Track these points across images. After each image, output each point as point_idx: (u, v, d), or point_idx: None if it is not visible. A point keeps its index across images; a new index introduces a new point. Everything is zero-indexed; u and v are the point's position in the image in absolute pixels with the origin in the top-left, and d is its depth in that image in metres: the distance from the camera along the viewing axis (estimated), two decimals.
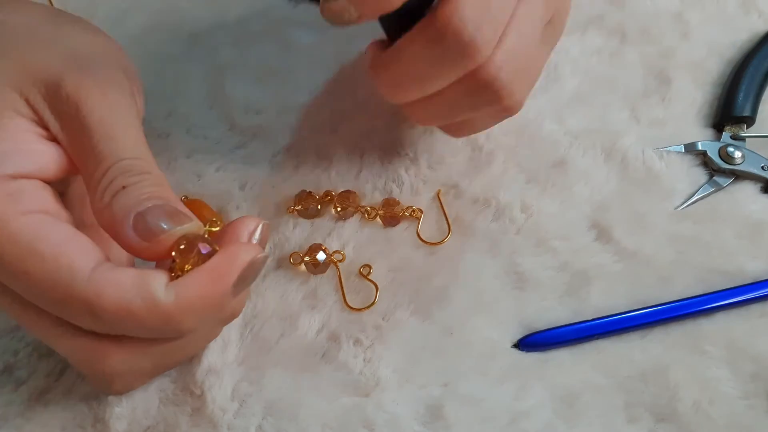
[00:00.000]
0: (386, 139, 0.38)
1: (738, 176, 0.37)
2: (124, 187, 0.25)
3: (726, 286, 0.34)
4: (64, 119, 0.26)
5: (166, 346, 0.28)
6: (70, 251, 0.25)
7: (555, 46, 0.34)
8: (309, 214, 0.36)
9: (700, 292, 0.34)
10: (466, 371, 0.32)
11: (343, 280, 0.35)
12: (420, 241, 0.36)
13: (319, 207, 0.36)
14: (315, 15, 0.42)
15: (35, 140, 0.26)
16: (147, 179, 0.26)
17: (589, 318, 0.33)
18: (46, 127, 0.27)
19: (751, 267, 0.35)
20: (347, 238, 0.36)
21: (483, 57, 0.28)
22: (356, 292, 0.34)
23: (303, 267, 0.35)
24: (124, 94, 0.28)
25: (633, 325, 0.33)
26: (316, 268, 0.34)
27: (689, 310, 0.33)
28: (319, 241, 0.36)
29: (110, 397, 0.31)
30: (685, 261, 0.35)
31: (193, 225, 0.26)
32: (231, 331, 0.33)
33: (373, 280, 0.34)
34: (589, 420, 0.31)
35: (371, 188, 0.37)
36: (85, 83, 0.27)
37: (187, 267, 0.25)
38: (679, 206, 0.37)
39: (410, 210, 0.36)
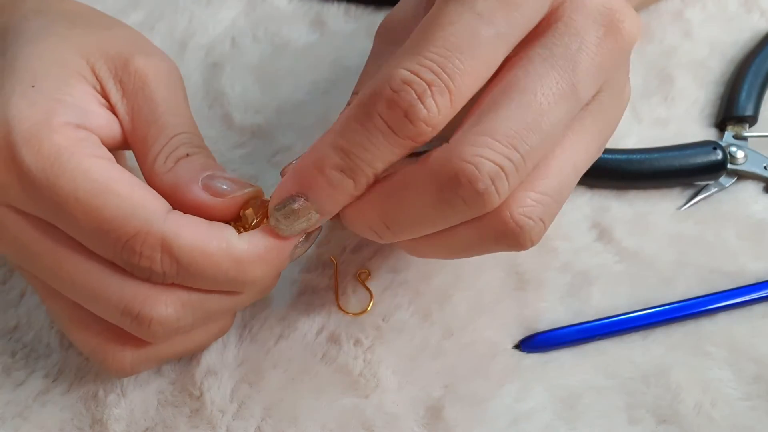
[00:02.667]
0: None
1: (740, 176, 0.37)
2: (187, 155, 0.27)
3: (728, 287, 0.34)
4: (128, 91, 0.28)
5: (213, 304, 0.28)
6: (144, 193, 0.26)
7: (598, 142, 0.27)
8: None
9: (702, 293, 0.34)
10: (467, 372, 0.32)
11: (341, 281, 0.34)
12: None
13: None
14: (314, 13, 0.42)
15: (96, 104, 0.28)
16: (206, 153, 0.28)
17: (591, 319, 0.33)
18: (106, 97, 0.28)
19: (753, 267, 0.35)
20: (347, 239, 0.36)
21: (492, 207, 0.23)
22: (356, 293, 0.34)
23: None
24: (180, 82, 0.30)
25: (634, 326, 0.33)
26: None
27: (691, 311, 0.33)
28: (318, 241, 0.35)
29: (109, 398, 0.31)
30: (687, 261, 0.35)
31: (257, 189, 0.28)
32: (230, 332, 0.33)
33: (369, 287, 0.34)
34: (590, 421, 0.31)
35: None
36: (152, 63, 0.29)
37: (253, 225, 0.27)
38: (681, 207, 0.36)
39: None
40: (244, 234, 0.27)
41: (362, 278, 0.34)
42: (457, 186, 0.23)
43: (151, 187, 0.27)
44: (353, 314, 0.34)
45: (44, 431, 0.31)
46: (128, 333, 0.27)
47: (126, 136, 0.28)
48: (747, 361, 0.32)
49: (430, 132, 0.23)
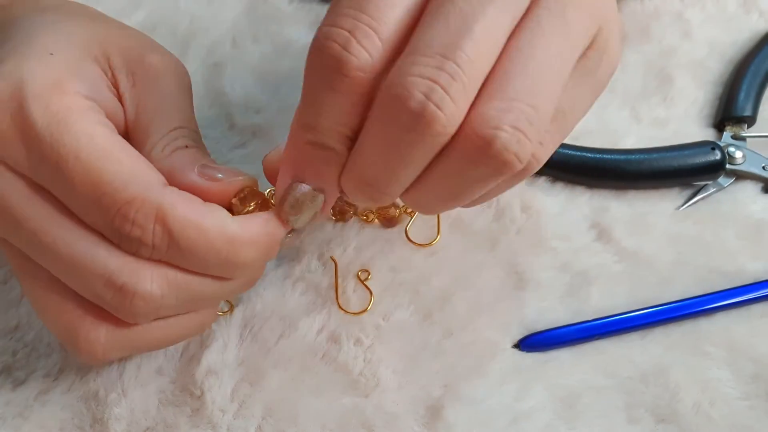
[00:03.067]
0: None
1: (739, 176, 0.37)
2: (186, 147, 0.28)
3: (726, 287, 0.34)
4: (138, 83, 0.29)
5: (199, 287, 0.27)
6: (146, 166, 0.26)
7: (604, 79, 0.26)
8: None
9: (701, 293, 0.34)
10: (467, 372, 0.32)
11: (341, 281, 0.34)
12: (417, 241, 0.36)
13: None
14: (315, 14, 0.42)
15: (105, 88, 0.28)
16: (204, 150, 0.29)
17: (590, 318, 0.33)
18: (116, 86, 0.29)
19: (752, 267, 0.35)
20: (347, 239, 0.36)
21: (442, 125, 0.22)
22: (356, 293, 0.34)
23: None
24: (188, 85, 0.31)
25: (633, 326, 0.33)
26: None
27: (690, 311, 0.33)
28: (318, 241, 0.35)
29: (109, 398, 0.31)
30: (685, 261, 0.35)
31: (250, 179, 0.28)
32: (230, 331, 0.33)
33: (369, 287, 0.34)
34: (589, 421, 0.31)
35: None
36: (165, 61, 0.29)
37: (246, 211, 0.28)
38: (680, 207, 0.37)
39: (406, 209, 0.36)
40: (239, 216, 0.27)
41: (362, 278, 0.35)
42: (398, 113, 0.22)
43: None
44: (353, 314, 0.34)
45: (45, 431, 0.31)
46: (103, 313, 0.27)
47: (127, 126, 0.29)
48: (745, 360, 0.32)
49: (369, 76, 0.22)
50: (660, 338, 0.33)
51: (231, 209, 0.28)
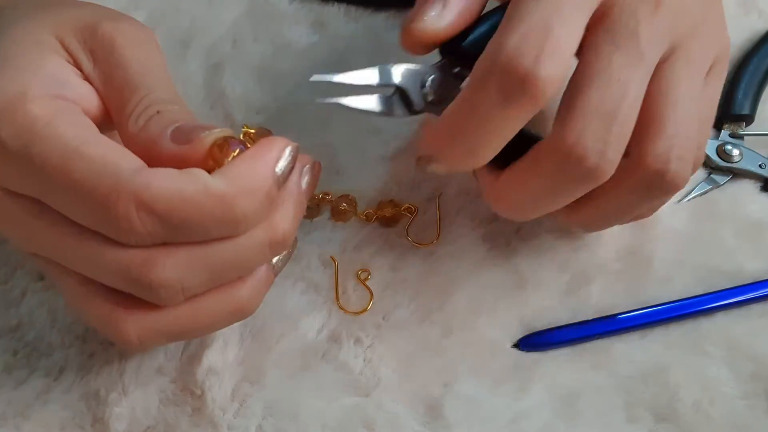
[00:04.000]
0: (386, 137, 0.38)
1: (735, 174, 0.37)
2: (158, 112, 0.27)
3: (726, 286, 0.34)
4: (98, 57, 0.28)
5: (215, 256, 0.26)
6: (116, 154, 0.25)
7: (718, 94, 0.31)
8: (308, 213, 0.36)
9: (700, 292, 0.34)
10: (466, 371, 0.32)
11: (341, 280, 0.35)
12: (417, 241, 0.36)
13: (318, 206, 0.36)
14: (315, 15, 0.42)
15: (73, 76, 0.28)
16: (179, 108, 0.27)
17: (589, 318, 0.33)
18: (80, 68, 0.28)
19: (751, 267, 0.35)
20: (347, 239, 0.36)
21: (609, 175, 0.27)
22: (356, 292, 0.34)
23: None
24: (154, 45, 0.29)
25: (633, 325, 0.33)
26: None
27: (689, 310, 0.33)
28: (318, 241, 0.36)
29: (110, 397, 0.31)
30: (684, 261, 0.35)
31: (225, 130, 0.27)
32: (231, 331, 0.33)
33: (369, 286, 0.34)
34: (589, 420, 0.31)
35: (370, 188, 0.37)
36: (120, 27, 0.28)
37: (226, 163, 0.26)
38: (675, 202, 0.37)
39: (406, 208, 0.36)
40: (217, 172, 0.25)
41: (362, 277, 0.35)
42: (574, 168, 0.27)
43: (127, 143, 0.27)
44: (353, 313, 0.34)
45: (45, 430, 0.31)
46: (134, 303, 0.27)
47: (105, 106, 0.28)
48: (745, 359, 0.32)
49: (552, 93, 0.26)
50: (659, 337, 0.33)
51: (215, 165, 0.26)
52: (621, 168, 0.27)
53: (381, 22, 0.41)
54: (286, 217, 0.28)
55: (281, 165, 0.27)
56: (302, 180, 0.28)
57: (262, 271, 0.29)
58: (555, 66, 0.25)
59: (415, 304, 0.34)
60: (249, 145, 0.27)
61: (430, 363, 0.33)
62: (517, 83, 0.25)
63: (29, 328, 0.33)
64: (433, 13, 0.28)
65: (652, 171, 0.28)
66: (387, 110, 0.29)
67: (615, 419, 0.31)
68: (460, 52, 0.29)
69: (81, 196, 0.24)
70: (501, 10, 0.28)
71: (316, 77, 0.28)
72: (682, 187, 0.29)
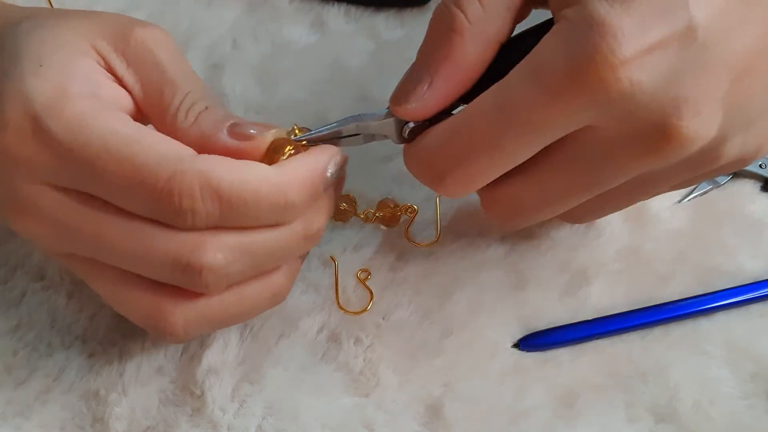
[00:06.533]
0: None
1: (736, 174, 0.37)
2: (207, 108, 0.28)
3: (726, 286, 0.34)
4: (132, 61, 0.29)
5: (261, 243, 0.27)
6: (173, 142, 0.26)
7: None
8: None
9: (700, 292, 0.34)
10: (466, 371, 0.32)
11: (341, 280, 0.35)
12: (417, 241, 0.36)
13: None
14: (315, 14, 0.42)
15: (105, 78, 0.28)
16: (222, 104, 0.29)
17: (589, 318, 0.33)
18: (112, 71, 0.28)
19: (751, 267, 0.35)
20: (347, 239, 0.36)
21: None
22: (356, 292, 0.34)
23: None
24: (178, 50, 0.30)
25: (633, 325, 0.33)
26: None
27: (689, 310, 0.33)
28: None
29: (110, 397, 0.31)
30: (684, 260, 0.35)
31: (282, 130, 0.28)
32: (231, 331, 0.33)
33: (369, 286, 0.34)
34: (589, 420, 0.31)
35: (370, 188, 0.37)
36: (150, 32, 0.29)
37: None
38: (675, 203, 0.37)
39: (406, 208, 0.36)
40: (276, 165, 0.27)
41: (362, 277, 0.35)
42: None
43: (185, 141, 0.27)
44: (353, 313, 0.34)
45: (45, 430, 0.31)
46: (176, 294, 0.27)
47: (139, 106, 0.29)
48: (745, 359, 0.32)
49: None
50: (659, 337, 0.33)
51: (269, 162, 0.28)
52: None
53: (381, 22, 0.42)
54: (320, 212, 0.29)
55: (331, 170, 0.28)
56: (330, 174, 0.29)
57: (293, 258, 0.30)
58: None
59: (415, 304, 0.34)
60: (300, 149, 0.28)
61: (430, 363, 0.33)
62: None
63: (29, 329, 0.33)
64: (420, 97, 0.27)
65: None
66: (368, 140, 0.30)
67: (615, 419, 0.31)
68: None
69: (140, 182, 0.25)
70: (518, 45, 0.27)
71: (301, 137, 0.29)
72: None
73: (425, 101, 0.27)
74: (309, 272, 0.35)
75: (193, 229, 0.26)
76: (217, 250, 0.26)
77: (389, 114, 0.29)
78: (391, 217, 0.36)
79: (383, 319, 0.34)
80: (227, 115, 0.28)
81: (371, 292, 0.34)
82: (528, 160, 0.26)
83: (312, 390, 0.32)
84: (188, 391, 0.32)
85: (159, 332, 0.28)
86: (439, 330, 0.33)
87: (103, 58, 0.28)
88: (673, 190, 0.30)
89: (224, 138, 0.27)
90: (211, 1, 0.42)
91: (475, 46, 0.26)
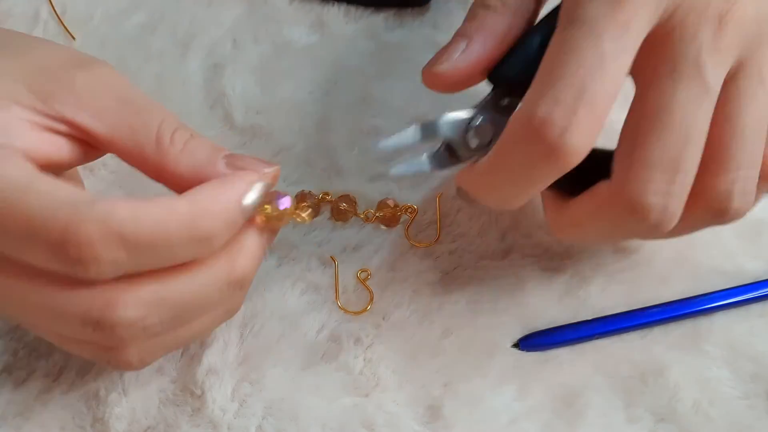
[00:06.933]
0: (386, 136, 0.38)
1: None
2: (192, 136, 0.27)
3: (726, 286, 0.34)
4: (84, 100, 0.27)
5: (177, 293, 0.26)
6: (69, 188, 0.24)
7: None
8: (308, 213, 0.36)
9: (700, 292, 0.34)
10: (466, 371, 0.32)
11: (341, 280, 0.35)
12: (417, 241, 0.36)
13: (318, 206, 0.36)
14: (315, 15, 0.42)
15: (27, 127, 0.26)
16: (199, 135, 0.28)
17: (589, 318, 0.33)
18: (54, 116, 0.27)
19: (751, 267, 0.35)
20: (347, 239, 0.36)
21: (671, 226, 0.26)
22: (356, 292, 0.34)
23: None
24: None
25: (633, 325, 0.33)
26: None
27: (689, 310, 0.33)
28: (318, 241, 0.36)
29: (110, 397, 0.31)
30: (684, 260, 0.35)
31: (277, 168, 0.28)
32: (231, 331, 0.33)
33: (369, 286, 0.34)
34: (588, 420, 0.31)
35: (371, 188, 0.37)
36: (103, 68, 0.28)
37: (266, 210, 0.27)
38: None
39: (406, 208, 0.36)
40: (184, 194, 0.25)
41: (362, 278, 0.35)
42: (638, 218, 0.26)
43: (165, 171, 0.26)
44: (353, 313, 0.34)
45: (45, 430, 0.31)
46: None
47: (106, 141, 0.27)
48: (745, 360, 0.32)
49: (578, 159, 0.25)
50: (659, 337, 0.33)
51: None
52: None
53: (381, 22, 0.42)
54: (244, 254, 0.27)
55: (252, 197, 0.26)
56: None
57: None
58: (585, 134, 0.24)
59: (415, 304, 0.34)
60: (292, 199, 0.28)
61: (430, 363, 0.33)
62: (544, 151, 0.25)
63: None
64: (453, 57, 0.28)
65: (714, 209, 0.27)
66: (436, 167, 0.29)
67: (615, 419, 0.31)
68: (506, 80, 0.28)
69: (36, 232, 0.23)
70: (545, 26, 0.28)
71: (375, 156, 0.30)
72: (741, 217, 0.28)
73: (457, 62, 0.28)
74: (309, 272, 0.35)
75: (103, 279, 0.24)
76: (129, 305, 0.24)
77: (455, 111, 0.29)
78: (391, 217, 0.36)
79: (383, 319, 0.34)
80: (216, 146, 0.27)
81: (371, 292, 0.34)
82: None
83: (312, 390, 0.32)
84: (188, 391, 0.32)
85: (114, 367, 0.28)
86: (439, 330, 0.33)
87: (33, 108, 0.26)
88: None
89: (222, 170, 0.26)
90: (211, 1, 0.42)
91: (505, 19, 0.28)
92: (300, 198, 0.36)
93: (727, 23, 0.25)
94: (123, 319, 0.24)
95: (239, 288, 0.27)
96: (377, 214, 0.36)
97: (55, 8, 0.42)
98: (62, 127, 0.27)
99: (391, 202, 0.36)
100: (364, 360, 0.33)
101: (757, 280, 0.34)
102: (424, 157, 0.29)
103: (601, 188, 0.27)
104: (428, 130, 0.28)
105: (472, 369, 0.32)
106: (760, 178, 0.27)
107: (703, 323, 0.33)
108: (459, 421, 0.31)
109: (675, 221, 0.26)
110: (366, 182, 0.37)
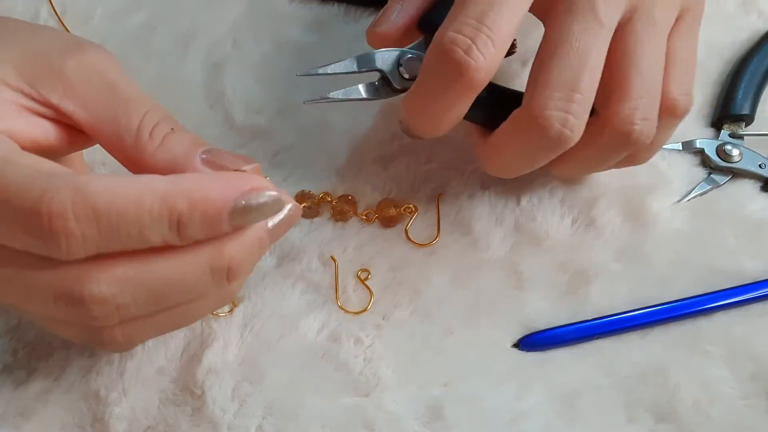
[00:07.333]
0: (386, 137, 0.38)
1: (735, 174, 0.37)
2: (172, 129, 0.27)
3: (725, 286, 0.34)
4: (73, 86, 0.27)
5: (152, 272, 0.25)
6: (48, 163, 0.24)
7: (699, 21, 0.34)
8: (308, 213, 0.36)
9: (700, 292, 0.34)
10: (466, 371, 0.32)
11: (341, 280, 0.35)
12: (417, 241, 0.36)
13: (318, 207, 0.36)
14: (315, 15, 0.42)
15: (14, 110, 0.26)
16: (183, 127, 0.28)
17: (589, 318, 0.33)
18: (42, 101, 0.27)
19: (751, 267, 0.35)
20: (347, 239, 0.36)
21: (574, 141, 0.29)
22: (356, 292, 0.34)
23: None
24: (122, 70, 0.29)
25: (633, 325, 0.33)
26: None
27: (689, 310, 0.33)
28: (318, 241, 0.36)
29: (110, 397, 0.31)
30: (684, 260, 0.35)
31: (258, 166, 0.27)
32: (231, 331, 0.33)
33: (369, 286, 0.34)
34: (589, 420, 0.31)
35: (370, 188, 0.37)
36: (97, 55, 0.28)
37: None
38: (675, 203, 0.37)
39: (406, 208, 0.36)
40: (168, 175, 0.25)
41: (362, 277, 0.35)
42: (539, 136, 0.29)
43: (142, 164, 0.26)
44: (353, 313, 0.34)
45: (46, 430, 0.31)
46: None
47: (89, 129, 0.27)
48: (745, 359, 0.32)
49: (485, 77, 0.28)
50: (659, 337, 0.33)
51: None
52: (590, 127, 0.30)
53: None
54: (237, 246, 0.26)
55: (247, 201, 0.25)
56: (273, 218, 0.27)
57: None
58: (487, 54, 0.28)
59: (415, 304, 0.34)
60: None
61: (430, 363, 0.33)
62: (453, 71, 0.28)
63: (29, 329, 0.33)
64: (391, 18, 0.33)
65: (618, 132, 0.30)
66: (372, 95, 0.32)
67: (615, 419, 0.31)
68: (434, 27, 0.30)
69: (10, 203, 0.23)
70: None
71: (301, 73, 0.32)
72: (647, 142, 0.31)
73: (395, 21, 0.33)
74: (309, 272, 0.35)
75: (73, 257, 0.23)
76: (100, 281, 0.24)
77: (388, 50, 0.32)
78: (391, 217, 0.36)
79: (383, 319, 0.34)
80: (196, 140, 0.27)
81: (371, 292, 0.34)
82: None
83: (312, 390, 0.32)
84: (188, 391, 0.32)
85: (102, 349, 0.27)
86: (439, 330, 0.33)
87: (20, 90, 0.27)
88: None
89: (198, 166, 0.26)
90: (211, 1, 0.42)
91: None
92: (300, 198, 0.36)
93: None
94: (94, 294, 0.24)
95: (226, 277, 0.26)
96: (377, 214, 0.36)
97: (55, 8, 0.42)
98: (49, 113, 0.27)
99: (391, 203, 0.36)
100: (364, 360, 0.33)
101: (757, 280, 0.34)
102: (360, 86, 0.32)
103: (515, 113, 0.30)
104: (364, 60, 0.32)
105: (473, 369, 0.32)
106: (660, 110, 0.31)
107: (703, 323, 0.33)
108: (459, 421, 0.31)
109: (576, 135, 0.29)
110: (366, 182, 0.37)
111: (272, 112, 0.39)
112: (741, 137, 0.39)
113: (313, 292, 0.34)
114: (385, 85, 0.32)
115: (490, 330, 0.33)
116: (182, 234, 0.24)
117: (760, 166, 0.37)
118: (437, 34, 0.29)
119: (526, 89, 0.30)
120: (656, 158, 0.38)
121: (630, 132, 0.30)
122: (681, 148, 0.38)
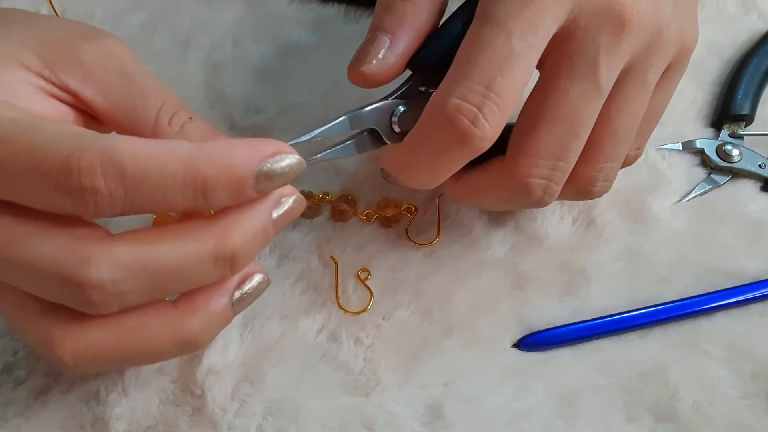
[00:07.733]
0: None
1: (735, 174, 0.37)
2: (191, 119, 0.27)
3: (726, 286, 0.34)
4: (90, 72, 0.27)
5: (155, 257, 0.24)
6: (74, 126, 0.24)
7: (669, 97, 0.33)
8: (308, 213, 0.36)
9: (700, 292, 0.34)
10: (466, 371, 0.32)
11: (341, 280, 0.35)
12: (417, 241, 0.36)
13: (318, 207, 0.36)
14: (315, 15, 0.42)
15: (34, 92, 0.27)
16: (197, 115, 0.28)
17: (589, 318, 0.33)
18: (60, 86, 0.27)
19: (751, 267, 0.35)
20: (347, 239, 0.36)
21: (549, 203, 0.30)
22: (356, 292, 0.34)
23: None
24: (137, 61, 0.29)
25: (633, 325, 0.33)
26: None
27: (689, 310, 0.33)
28: (318, 241, 0.36)
29: (110, 397, 0.31)
30: (684, 260, 0.35)
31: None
32: (231, 331, 0.33)
33: (370, 286, 0.34)
34: (589, 420, 0.31)
35: (370, 188, 0.37)
36: (112, 42, 0.29)
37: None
38: (675, 203, 0.37)
39: (406, 209, 0.36)
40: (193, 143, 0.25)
41: (362, 277, 0.35)
42: (523, 195, 0.30)
43: None
44: (353, 313, 0.34)
45: (45, 430, 0.31)
46: (69, 320, 0.25)
47: (106, 116, 0.27)
48: (745, 359, 0.32)
49: (489, 143, 0.27)
50: (659, 337, 0.33)
51: None
52: None
53: None
54: (242, 234, 0.25)
55: (271, 165, 0.25)
56: (277, 208, 0.26)
57: (219, 305, 0.27)
58: (493, 123, 0.27)
59: (415, 304, 0.34)
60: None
61: (430, 363, 0.33)
62: (456, 136, 0.27)
63: None
64: (379, 56, 0.30)
65: (578, 190, 0.31)
66: (361, 150, 0.31)
67: (615, 419, 0.31)
68: (425, 68, 0.30)
69: (37, 165, 0.23)
70: (460, 15, 0.30)
71: (293, 143, 0.28)
72: (599, 197, 0.32)
73: (385, 60, 0.30)
74: (309, 272, 0.35)
75: (99, 215, 0.23)
76: (106, 264, 0.23)
77: (378, 101, 0.30)
78: (391, 217, 0.36)
79: (383, 319, 0.34)
80: (213, 130, 0.27)
81: (371, 292, 0.34)
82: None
83: (312, 390, 0.32)
84: (188, 391, 0.32)
85: (51, 360, 0.26)
86: (439, 330, 0.33)
87: (40, 74, 0.27)
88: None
89: None
90: (211, 1, 0.42)
91: (423, 10, 0.30)
92: None
93: (627, 26, 0.28)
94: (97, 277, 0.24)
95: (229, 267, 0.26)
96: (377, 214, 0.36)
97: (55, 8, 0.42)
98: (67, 97, 0.28)
99: (391, 203, 0.36)
100: (364, 360, 0.33)
101: (756, 279, 0.34)
102: (349, 142, 0.31)
103: (495, 164, 0.30)
104: (357, 120, 0.30)
105: (473, 369, 0.32)
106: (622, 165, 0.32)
107: (703, 323, 0.33)
108: (459, 421, 0.31)
109: (554, 199, 0.30)
110: (366, 182, 0.37)
111: (272, 112, 0.39)
112: (741, 137, 0.39)
113: (313, 292, 0.34)
114: (373, 139, 0.31)
115: (490, 330, 0.33)
116: (209, 199, 0.24)
117: (760, 166, 0.37)
118: (438, 96, 0.27)
119: (511, 143, 0.29)
120: (656, 158, 0.38)
121: (589, 192, 0.31)
122: (681, 148, 0.38)
